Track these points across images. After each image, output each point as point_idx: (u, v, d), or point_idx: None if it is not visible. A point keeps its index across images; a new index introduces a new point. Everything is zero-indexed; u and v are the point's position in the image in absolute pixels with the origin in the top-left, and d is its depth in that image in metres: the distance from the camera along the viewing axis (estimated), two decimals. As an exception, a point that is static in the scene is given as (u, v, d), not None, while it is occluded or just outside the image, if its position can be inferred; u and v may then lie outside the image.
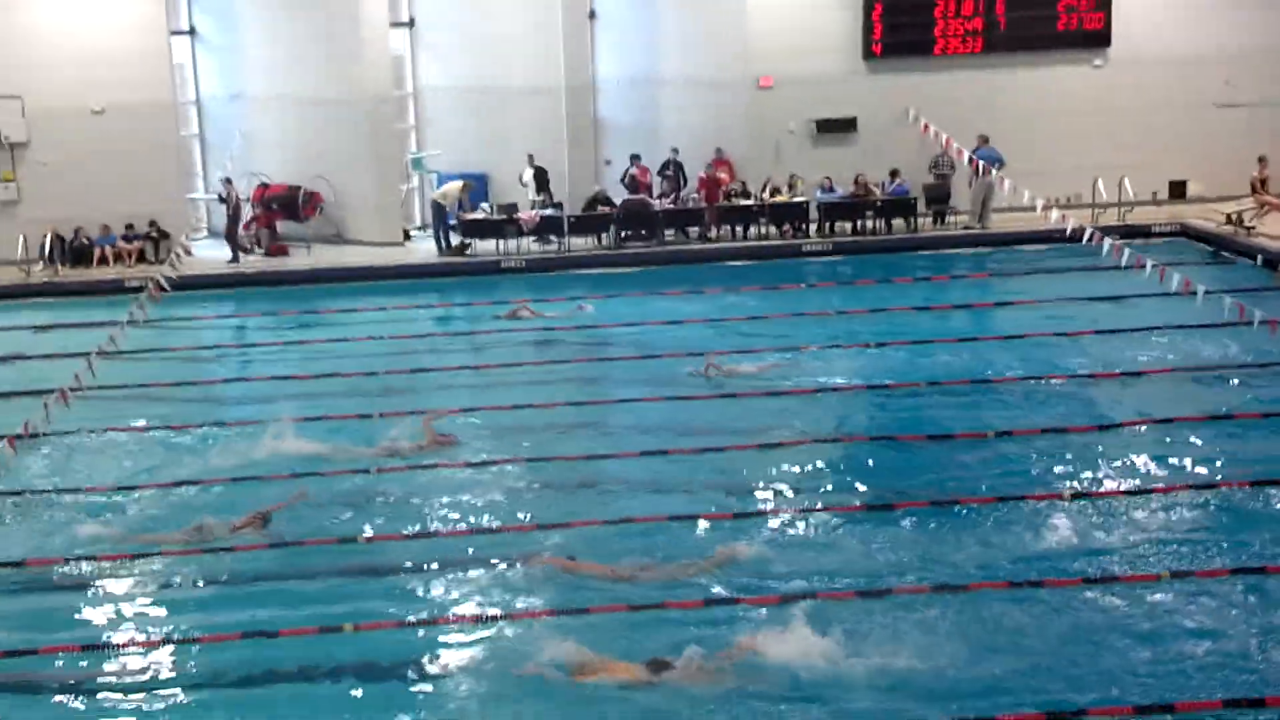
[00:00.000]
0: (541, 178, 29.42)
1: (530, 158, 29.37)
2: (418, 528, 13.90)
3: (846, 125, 30.00)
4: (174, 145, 29.68)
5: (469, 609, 11.94)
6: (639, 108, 30.55)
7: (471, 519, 14.06)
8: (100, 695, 10.85)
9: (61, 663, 11.33)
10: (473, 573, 12.72)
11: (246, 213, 29.41)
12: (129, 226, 28.76)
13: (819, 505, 14.14)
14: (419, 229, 31.29)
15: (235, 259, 28.10)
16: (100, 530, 14.09)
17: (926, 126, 28.42)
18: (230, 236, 28.23)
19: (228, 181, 28.35)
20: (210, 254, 28.70)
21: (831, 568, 12.59)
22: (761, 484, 14.84)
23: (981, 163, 27.39)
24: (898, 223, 28.77)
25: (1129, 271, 21.03)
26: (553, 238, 28.54)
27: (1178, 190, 30.32)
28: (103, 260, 28.35)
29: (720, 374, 18.98)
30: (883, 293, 24.41)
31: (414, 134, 31.77)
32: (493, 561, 12.87)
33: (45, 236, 27.75)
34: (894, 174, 28.78)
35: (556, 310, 23.83)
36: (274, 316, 24.86)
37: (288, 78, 29.83)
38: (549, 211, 28.47)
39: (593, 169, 30.48)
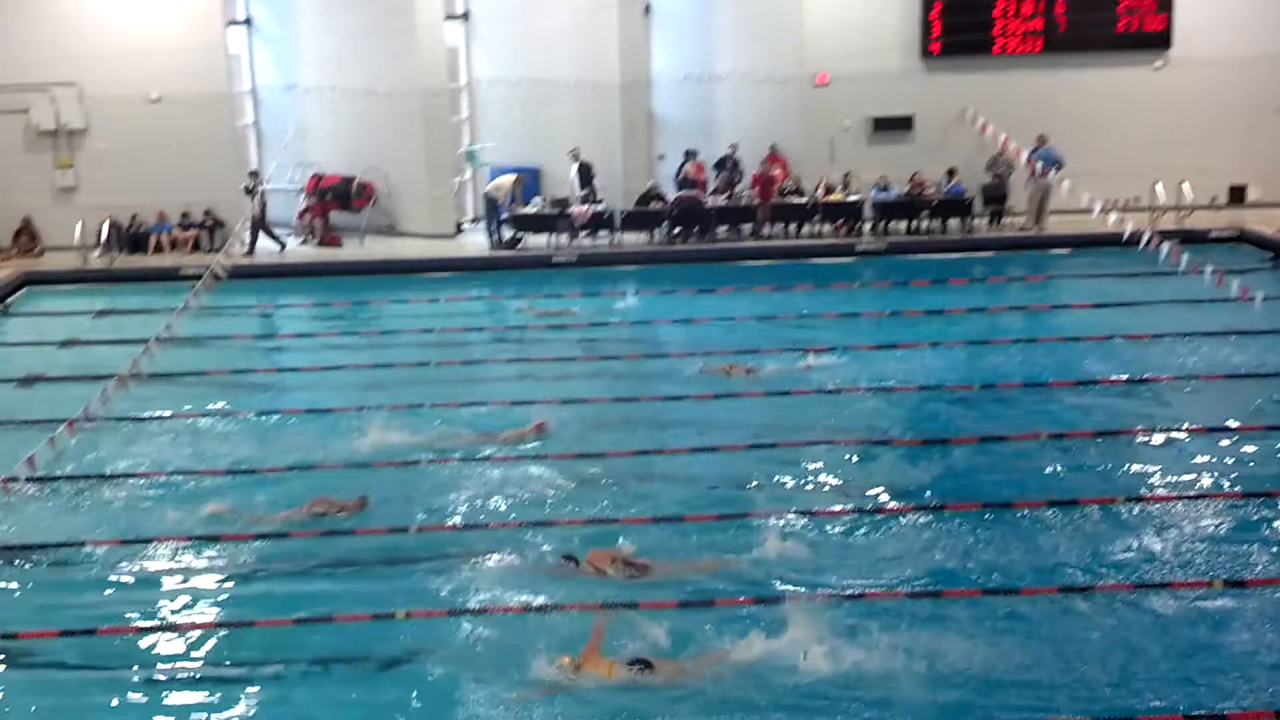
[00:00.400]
0: (585, 173, 29.40)
1: (574, 153, 29.35)
2: (466, 520, 13.91)
3: (903, 124, 29.86)
4: (230, 135, 29.84)
5: (501, 601, 11.96)
6: (693, 103, 30.52)
7: (521, 512, 14.05)
8: (156, 677, 10.93)
9: (119, 644, 11.42)
10: (517, 564, 12.74)
11: (301, 203, 29.59)
12: (185, 214, 28.99)
13: (868, 506, 14.05)
14: (471, 222, 31.37)
15: (281, 246, 28.32)
16: (161, 513, 14.24)
17: (984, 126, 28.27)
18: (255, 228, 28.37)
19: (254, 174, 28.44)
20: (264, 243, 28.82)
21: (879, 568, 12.52)
22: (810, 483, 14.78)
23: (1039, 164, 27.21)
24: (953, 223, 28.64)
25: (1186, 276, 20.86)
26: (604, 233, 28.53)
27: (1237, 195, 30.01)
28: (159, 248, 28.57)
29: (737, 374, 19.03)
30: (936, 294, 24.27)
31: (467, 127, 31.85)
32: (541, 554, 12.90)
33: (103, 223, 27.96)
34: (950, 173, 28.64)
35: (580, 306, 23.90)
36: (326, 307, 24.95)
37: (343, 69, 29.98)
38: (600, 207, 28.47)
39: (646, 164, 30.48)
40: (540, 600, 11.88)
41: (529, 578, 12.40)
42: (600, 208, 28.45)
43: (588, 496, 14.47)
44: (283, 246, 28.29)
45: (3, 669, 11.17)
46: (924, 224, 28.68)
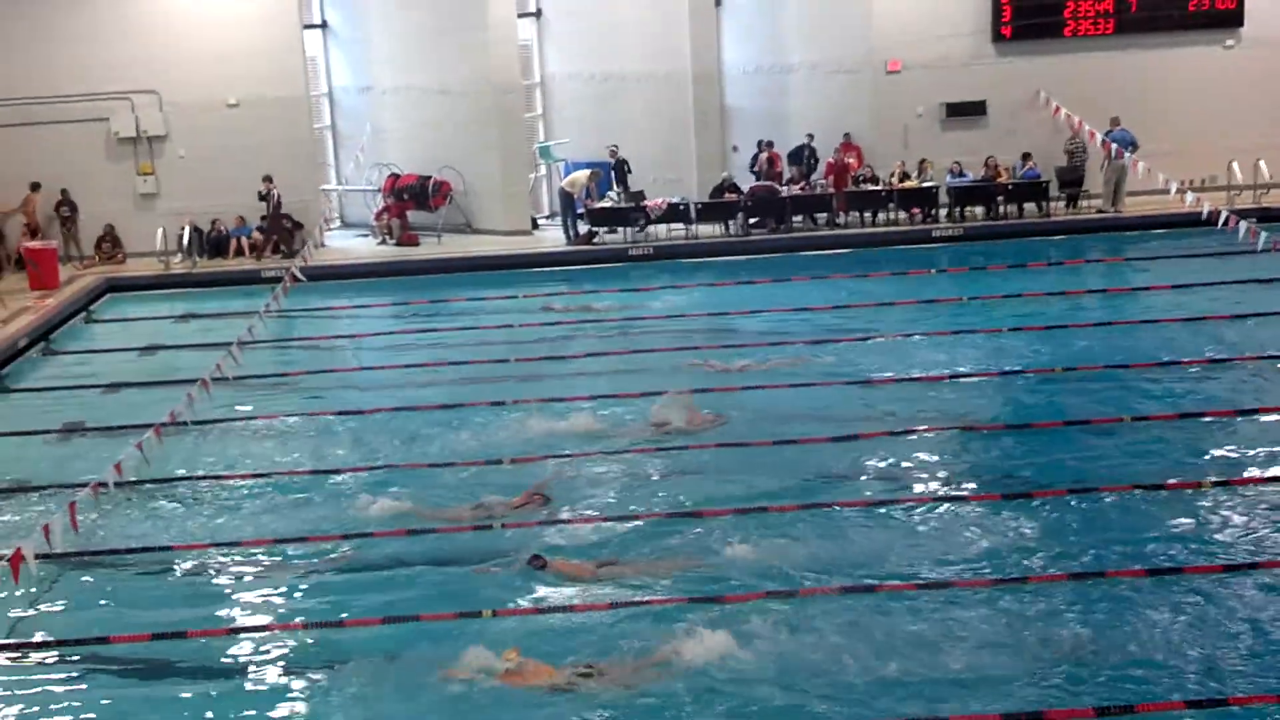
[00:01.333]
0: (620, 171, 29.49)
1: (612, 150, 29.43)
2: (560, 514, 14.02)
3: (976, 109, 29.66)
4: (307, 137, 30.13)
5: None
6: (765, 94, 30.49)
7: (607, 508, 14.11)
8: (245, 679, 11.07)
9: (206, 645, 11.59)
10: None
11: (379, 203, 29.80)
12: (264, 218, 29.27)
13: (953, 493, 14.01)
14: (547, 218, 31.51)
15: (290, 253, 28.30)
16: (247, 515, 14.47)
17: (1058, 109, 28.08)
18: (272, 233, 28.59)
19: (267, 179, 28.57)
20: (343, 244, 29.13)
21: (966, 555, 12.49)
22: (894, 471, 14.74)
23: (1114, 145, 26.98)
24: (1029, 207, 28.41)
25: (1265, 255, 20.59)
26: (680, 225, 28.54)
27: (1315, 172, 29.55)
28: (239, 251, 28.89)
29: (715, 369, 19.07)
30: (1014, 278, 24.11)
31: (541, 123, 32.00)
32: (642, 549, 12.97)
33: (183, 228, 28.31)
34: (1025, 157, 28.41)
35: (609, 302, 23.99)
36: (405, 305, 25.13)
37: (417, 69, 30.23)
38: (676, 199, 28.49)
39: (719, 156, 30.45)
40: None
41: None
42: (681, 199, 28.44)
43: (674, 489, 14.52)
44: (290, 252, 28.41)
45: (95, 672, 11.34)
46: (1000, 208, 28.45)
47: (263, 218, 28.94)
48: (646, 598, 11.87)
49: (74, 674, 11.33)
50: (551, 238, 29.48)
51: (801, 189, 28.77)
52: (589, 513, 13.93)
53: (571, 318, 23.14)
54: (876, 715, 9.88)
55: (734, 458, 15.43)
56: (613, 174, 29.44)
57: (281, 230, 28.63)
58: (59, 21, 28.58)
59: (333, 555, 13.30)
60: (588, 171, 28.82)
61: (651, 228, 28.37)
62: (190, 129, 29.22)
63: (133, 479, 15.26)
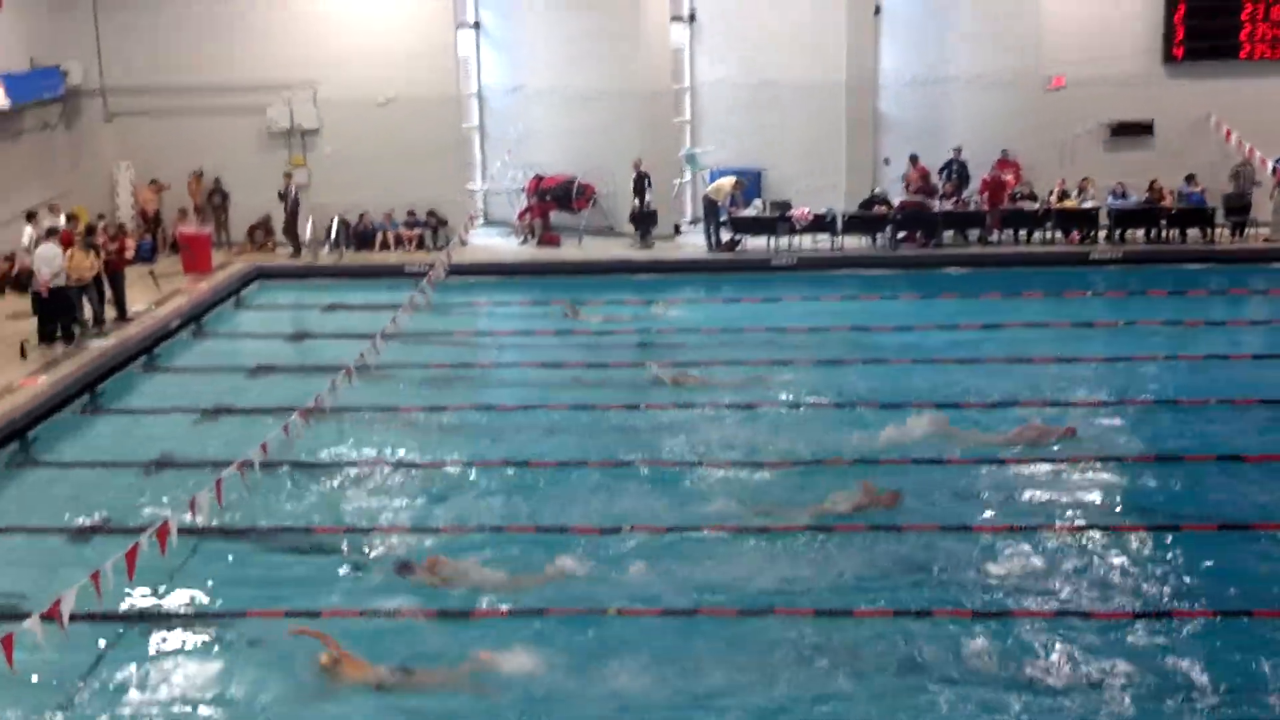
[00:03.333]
0: (639, 184, 29.11)
1: (636, 162, 29.01)
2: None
3: (1142, 129, 28.80)
4: (456, 136, 30.23)
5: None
6: (920, 105, 29.89)
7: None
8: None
9: (338, 626, 11.58)
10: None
11: (522, 203, 29.81)
12: (410, 213, 29.41)
13: (1099, 522, 13.69)
14: (690, 224, 31.26)
15: (297, 253, 28.36)
16: (382, 501, 14.53)
17: (1229, 133, 27.17)
18: (288, 232, 28.54)
19: (288, 176, 28.54)
20: (486, 242, 29.16)
21: (1108, 586, 12.24)
22: (1038, 498, 14.39)
23: (1285, 173, 26.09)
24: (1193, 233, 27.47)
25: None
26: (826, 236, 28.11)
27: None
28: (384, 245, 29.04)
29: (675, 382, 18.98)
30: (1174, 306, 23.28)
31: (689, 129, 31.75)
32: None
33: (332, 221, 28.59)
34: (1189, 180, 27.49)
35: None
36: (544, 305, 25.01)
37: (567, 71, 30.14)
38: (822, 209, 28.03)
39: (870, 167, 29.94)
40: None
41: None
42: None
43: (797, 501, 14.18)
44: (298, 252, 28.45)
45: (229, 645, 11.54)
46: (1163, 233, 27.54)
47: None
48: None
49: (209, 645, 11.55)
50: (693, 244, 29.20)
51: (955, 204, 28.15)
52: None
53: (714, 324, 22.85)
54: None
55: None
56: (633, 183, 29.15)
57: (295, 229, 28.56)
58: (221, 14, 28.99)
59: (463, 546, 13.22)
60: (732, 179, 28.49)
61: (796, 238, 27.95)
62: (342, 124, 29.44)
63: (276, 460, 15.31)
